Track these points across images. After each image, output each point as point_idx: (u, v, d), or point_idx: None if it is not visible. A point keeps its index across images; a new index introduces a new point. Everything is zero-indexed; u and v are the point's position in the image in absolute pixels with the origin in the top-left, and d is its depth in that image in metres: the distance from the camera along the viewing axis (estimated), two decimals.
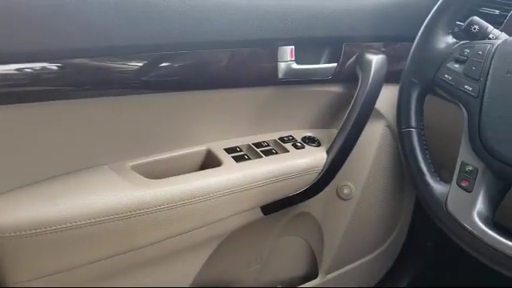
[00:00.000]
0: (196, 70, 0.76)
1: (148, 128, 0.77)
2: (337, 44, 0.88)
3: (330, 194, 0.98)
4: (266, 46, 0.81)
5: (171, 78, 0.74)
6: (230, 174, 0.79)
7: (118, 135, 0.75)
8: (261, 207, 0.84)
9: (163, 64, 0.72)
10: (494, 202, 0.62)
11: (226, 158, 0.82)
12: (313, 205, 0.96)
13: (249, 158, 0.84)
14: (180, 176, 0.77)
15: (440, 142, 0.78)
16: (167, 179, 0.75)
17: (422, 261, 1.24)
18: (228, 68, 0.78)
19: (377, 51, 0.90)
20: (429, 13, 0.75)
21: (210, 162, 0.83)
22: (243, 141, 0.88)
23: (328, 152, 0.88)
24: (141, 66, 0.70)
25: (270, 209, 0.85)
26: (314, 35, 0.85)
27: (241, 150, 0.85)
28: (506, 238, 0.58)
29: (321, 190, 0.89)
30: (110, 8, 0.65)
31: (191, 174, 0.78)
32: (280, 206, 0.86)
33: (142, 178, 0.74)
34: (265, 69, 0.83)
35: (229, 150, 0.84)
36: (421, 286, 1.23)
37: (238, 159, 0.83)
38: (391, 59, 0.89)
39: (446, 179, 0.69)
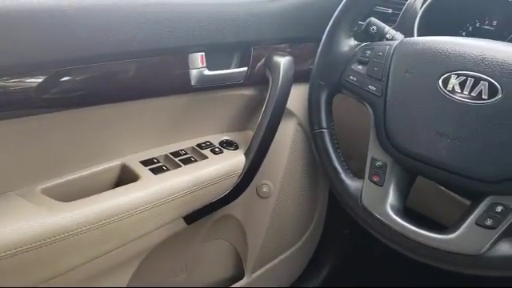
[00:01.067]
0: (104, 82, 0.72)
1: (56, 147, 0.73)
2: (246, 48, 0.89)
3: (250, 193, 1.00)
4: (176, 53, 0.80)
5: (77, 93, 0.70)
6: (149, 188, 0.76)
7: (24, 158, 0.69)
8: (183, 217, 0.83)
9: (68, 79, 0.68)
10: (404, 193, 0.67)
11: (143, 172, 0.80)
12: (234, 206, 0.97)
13: (167, 169, 0.82)
14: (95, 195, 0.73)
15: (352, 140, 0.82)
16: (82, 200, 0.71)
17: (341, 248, 1.31)
18: (138, 78, 0.76)
19: (284, 53, 0.93)
20: (329, 14, 0.78)
21: (126, 177, 0.80)
22: (160, 151, 0.86)
23: (246, 154, 0.89)
24: (44, 83, 0.65)
25: (192, 218, 0.84)
26: (224, 41, 0.85)
27: (158, 162, 0.83)
28: (415, 225, 0.63)
29: (242, 193, 0.90)
30: (12, 24, 0.60)
31: (107, 192, 0.75)
32: (202, 214, 0.86)
33: (54, 201, 0.70)
34: (177, 77, 0.81)
35: (145, 163, 0.82)
36: (341, 274, 1.30)
37: (155, 171, 0.81)
38: (298, 60, 0.93)
39: (359, 175, 0.73)
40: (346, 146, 0.82)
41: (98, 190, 0.74)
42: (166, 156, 0.85)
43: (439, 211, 0.88)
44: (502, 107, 0.57)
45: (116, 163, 0.81)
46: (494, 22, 0.90)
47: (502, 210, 0.57)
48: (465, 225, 0.58)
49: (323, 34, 0.77)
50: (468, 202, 0.63)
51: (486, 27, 0.91)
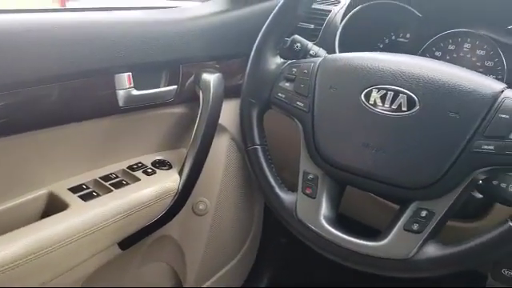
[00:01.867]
0: (24, 110, 0.69)
1: None
2: (174, 66, 0.89)
3: (186, 212, 0.99)
4: (101, 75, 0.77)
5: None
6: (79, 216, 0.73)
7: None
8: (118, 243, 0.80)
9: None
10: (336, 203, 0.69)
11: (72, 199, 0.77)
12: (170, 226, 0.95)
13: (98, 195, 0.79)
14: (22, 228, 0.69)
15: (284, 152, 0.84)
16: (7, 235, 0.67)
17: (279, 257, 1.33)
18: (61, 103, 0.73)
19: (213, 70, 0.93)
20: (255, 31, 0.79)
21: (54, 206, 0.76)
22: (89, 176, 0.83)
23: (180, 173, 0.88)
24: None
25: (127, 243, 0.82)
26: (151, 60, 0.84)
27: (87, 187, 0.80)
28: (348, 234, 0.65)
29: (178, 213, 0.89)
30: None
31: (35, 223, 0.71)
32: (138, 238, 0.84)
33: None
34: (103, 99, 0.79)
35: (74, 189, 0.79)
36: (281, 284, 1.32)
37: (85, 198, 0.78)
38: (227, 75, 0.94)
39: (292, 187, 0.75)
40: (279, 158, 0.84)
41: (25, 222, 0.70)
42: (96, 181, 0.82)
43: (372, 216, 0.92)
44: (420, 118, 0.61)
45: (42, 192, 0.77)
46: (408, 35, 0.96)
47: (426, 215, 0.60)
48: (394, 231, 0.62)
49: (250, 50, 0.78)
50: (397, 206, 0.67)
51: (400, 39, 0.97)
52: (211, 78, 0.89)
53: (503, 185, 0.62)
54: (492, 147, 0.56)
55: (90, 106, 0.78)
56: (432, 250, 0.59)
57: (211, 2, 0.97)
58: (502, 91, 0.58)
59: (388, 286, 0.98)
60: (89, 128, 0.79)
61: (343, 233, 0.65)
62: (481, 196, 0.67)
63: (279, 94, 0.73)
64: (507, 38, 0.84)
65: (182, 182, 0.87)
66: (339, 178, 0.68)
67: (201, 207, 1.02)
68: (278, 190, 0.73)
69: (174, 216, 0.88)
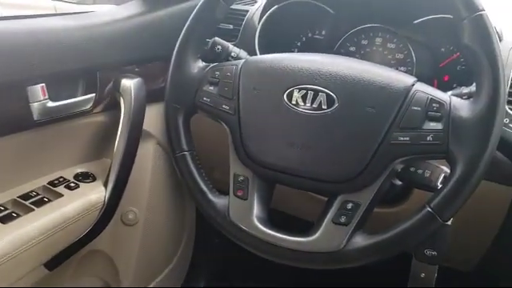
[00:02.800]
0: None
1: None
2: (91, 73, 0.85)
3: (115, 223, 0.96)
4: (12, 88, 0.73)
5: None
6: None
7: None
8: (44, 264, 0.76)
9: None
10: (267, 202, 0.71)
11: None
12: (99, 240, 0.92)
13: (18, 215, 0.74)
14: None
15: (213, 154, 0.84)
16: None
17: (215, 258, 1.33)
18: None
19: (132, 75, 0.90)
20: (173, 33, 0.77)
21: None
22: (7, 196, 0.77)
23: (105, 184, 0.85)
24: None
25: (54, 263, 0.78)
26: (66, 68, 0.80)
27: (6, 209, 0.75)
28: (280, 232, 0.67)
29: (106, 226, 0.86)
30: None
31: None
32: (65, 257, 0.80)
33: None
34: (16, 113, 0.74)
35: None
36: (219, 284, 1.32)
37: (4, 220, 0.72)
38: (148, 79, 0.92)
39: (223, 188, 0.75)
40: (209, 159, 0.83)
41: None
42: (15, 201, 0.77)
43: (305, 210, 0.94)
44: (340, 115, 0.63)
45: None
46: (323, 32, 1.00)
47: (352, 207, 0.63)
48: (323, 225, 0.64)
49: (170, 52, 0.77)
50: (326, 198, 0.69)
51: (316, 37, 1.00)
52: (131, 83, 0.86)
53: (419, 171, 0.66)
54: (407, 138, 0.60)
55: (1, 122, 0.72)
56: (360, 240, 0.62)
57: (127, 5, 0.94)
58: (413, 85, 0.62)
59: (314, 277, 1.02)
60: (2, 145, 0.74)
61: (276, 231, 0.67)
62: (400, 183, 0.71)
63: (204, 98, 0.73)
64: (414, 33, 0.90)
65: (108, 193, 0.84)
66: (268, 177, 0.69)
67: (130, 217, 0.99)
68: (209, 195, 0.72)
69: (103, 230, 0.85)
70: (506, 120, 0.74)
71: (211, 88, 0.72)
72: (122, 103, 0.87)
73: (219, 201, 0.72)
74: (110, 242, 0.97)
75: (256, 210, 0.69)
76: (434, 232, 0.60)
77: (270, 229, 0.67)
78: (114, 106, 0.89)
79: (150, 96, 0.90)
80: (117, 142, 0.85)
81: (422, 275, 0.69)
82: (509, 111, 0.75)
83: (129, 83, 0.86)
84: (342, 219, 0.63)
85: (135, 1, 0.95)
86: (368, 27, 0.94)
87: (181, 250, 1.18)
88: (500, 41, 0.78)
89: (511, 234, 0.81)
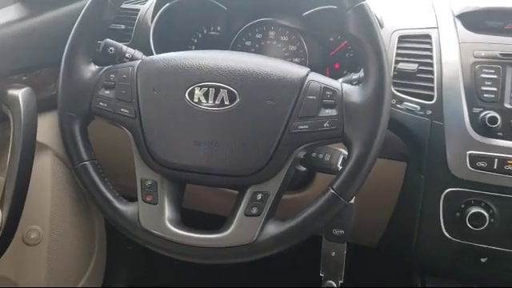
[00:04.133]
0: None
1: None
2: None
3: (16, 245, 0.89)
4: None
5: None
6: None
7: None
8: None
9: None
10: (179, 204, 0.70)
11: None
12: (1, 266, 0.85)
13: None
14: None
15: (116, 159, 0.81)
16: None
17: (130, 265, 1.29)
18: None
19: (20, 84, 0.84)
20: (63, 36, 0.73)
21: None
22: None
23: (1, 205, 0.78)
24: None
25: None
26: None
27: None
28: (194, 232, 0.66)
29: (5, 250, 0.79)
30: None
31: None
32: None
33: None
34: None
35: None
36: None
37: None
38: (37, 88, 0.86)
39: (131, 195, 0.72)
40: (111, 165, 0.80)
41: None
42: None
43: (218, 205, 0.94)
44: (242, 110, 0.64)
45: None
46: (218, 28, 1.00)
47: (261, 197, 0.64)
48: (236, 219, 0.65)
49: (59, 57, 0.72)
50: (237, 192, 0.70)
51: (212, 33, 1.01)
52: (19, 93, 0.80)
53: (320, 155, 0.70)
54: (307, 126, 0.63)
55: None
56: (272, 229, 0.64)
57: (6, 10, 0.87)
58: (307, 75, 0.65)
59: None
60: None
61: (191, 232, 0.66)
62: (304, 169, 0.74)
63: (101, 104, 0.69)
64: (304, 25, 0.94)
65: (4, 214, 0.78)
66: (178, 178, 0.69)
67: (33, 236, 0.93)
68: (116, 203, 0.69)
69: (2, 254, 0.78)
70: (394, 101, 0.80)
71: (107, 92, 0.69)
72: (10, 116, 0.80)
73: (128, 208, 0.69)
74: (14, 266, 0.91)
75: (168, 213, 0.67)
76: (339, 212, 0.64)
77: (185, 230, 0.67)
78: (1, 120, 0.82)
79: (42, 105, 0.85)
80: (9, 157, 0.79)
81: (333, 254, 0.73)
82: (395, 93, 0.81)
83: (16, 93, 0.81)
84: (254, 210, 0.64)
85: (14, 5, 0.89)
86: (261, 21, 0.97)
87: (93, 261, 1.13)
88: (381, 27, 0.85)
89: (406, 207, 0.88)
